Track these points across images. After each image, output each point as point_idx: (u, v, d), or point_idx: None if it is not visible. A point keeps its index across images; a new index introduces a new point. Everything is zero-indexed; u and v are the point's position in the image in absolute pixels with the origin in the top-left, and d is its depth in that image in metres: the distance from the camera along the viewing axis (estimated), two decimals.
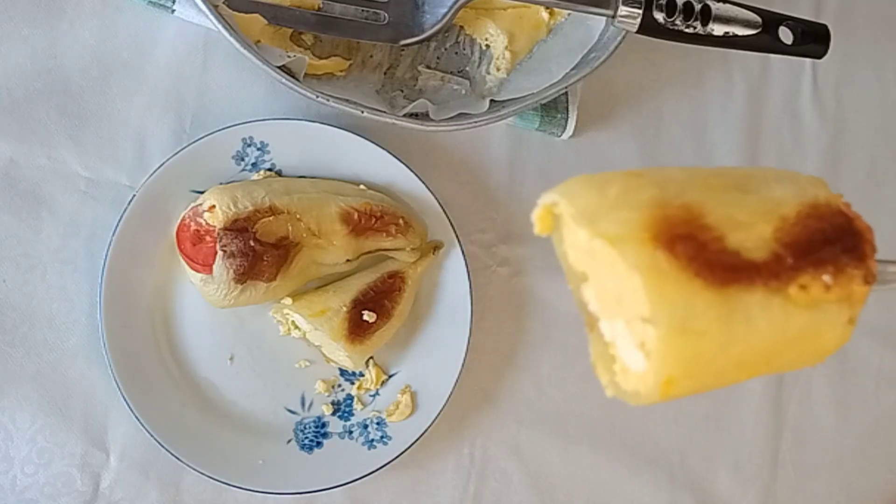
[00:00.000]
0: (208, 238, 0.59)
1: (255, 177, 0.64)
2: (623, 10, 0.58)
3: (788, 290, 0.27)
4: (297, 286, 0.63)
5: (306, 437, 0.64)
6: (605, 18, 0.62)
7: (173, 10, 0.64)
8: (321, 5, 0.64)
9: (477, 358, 0.66)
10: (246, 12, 0.61)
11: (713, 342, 0.26)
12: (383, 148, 0.64)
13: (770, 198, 0.28)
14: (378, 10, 0.64)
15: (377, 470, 0.63)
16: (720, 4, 0.58)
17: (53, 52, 0.64)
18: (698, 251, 0.26)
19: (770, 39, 0.59)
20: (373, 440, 0.64)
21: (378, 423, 0.65)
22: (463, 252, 0.65)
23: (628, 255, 0.26)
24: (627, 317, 0.27)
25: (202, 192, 0.61)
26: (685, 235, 0.26)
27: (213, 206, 0.59)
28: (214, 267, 0.59)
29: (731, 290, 0.26)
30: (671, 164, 0.73)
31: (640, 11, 0.57)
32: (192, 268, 0.61)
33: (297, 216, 0.61)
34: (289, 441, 0.64)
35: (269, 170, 0.64)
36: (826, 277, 0.27)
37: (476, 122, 0.62)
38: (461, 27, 0.68)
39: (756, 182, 0.29)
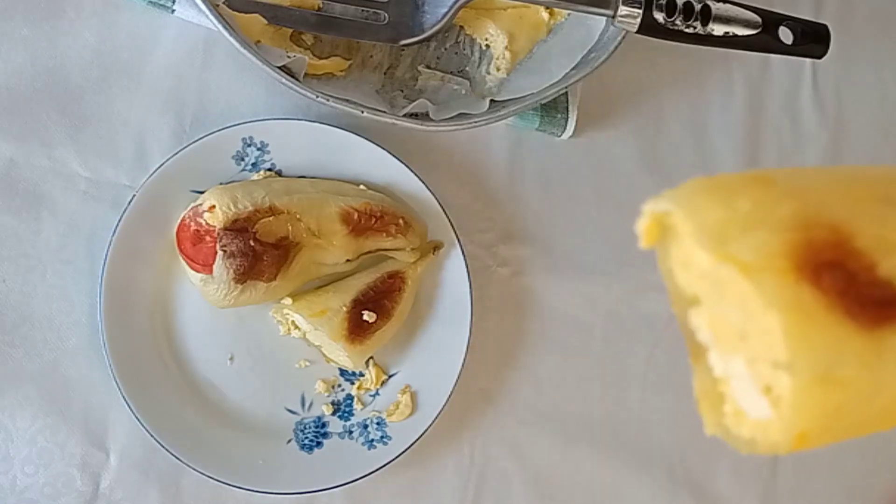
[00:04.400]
0: (208, 238, 0.59)
1: (255, 177, 0.64)
2: (623, 10, 0.58)
3: None
4: (297, 286, 0.63)
5: (306, 437, 0.64)
6: (605, 18, 0.62)
7: (173, 10, 0.64)
8: (321, 5, 0.64)
9: (477, 358, 0.66)
10: (246, 12, 0.61)
11: (859, 393, 0.23)
12: (383, 148, 0.64)
13: None
14: (378, 10, 0.64)
15: (377, 470, 0.63)
16: (720, 4, 0.58)
17: (53, 52, 0.64)
18: (848, 284, 0.22)
19: (770, 39, 0.59)
20: (373, 440, 0.64)
21: (378, 423, 0.65)
22: (463, 252, 0.65)
23: (766, 289, 0.22)
24: (752, 356, 0.23)
25: (202, 192, 0.61)
26: (833, 264, 0.22)
27: (213, 206, 0.59)
28: (214, 267, 0.59)
29: (884, 332, 0.22)
30: (671, 164, 0.73)
31: (640, 11, 0.57)
32: (192, 268, 0.61)
33: (297, 216, 0.61)
34: (289, 441, 0.64)
35: (269, 170, 0.64)
36: None
37: (476, 122, 0.62)
38: (461, 27, 0.68)
39: None
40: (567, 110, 0.68)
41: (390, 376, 0.66)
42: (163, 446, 0.60)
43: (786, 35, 0.59)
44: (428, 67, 0.67)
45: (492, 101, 0.64)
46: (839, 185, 0.25)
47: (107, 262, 0.60)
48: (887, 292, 0.22)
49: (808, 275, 0.22)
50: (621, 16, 0.58)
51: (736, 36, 0.58)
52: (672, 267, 0.25)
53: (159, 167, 0.62)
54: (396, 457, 0.63)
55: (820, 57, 0.60)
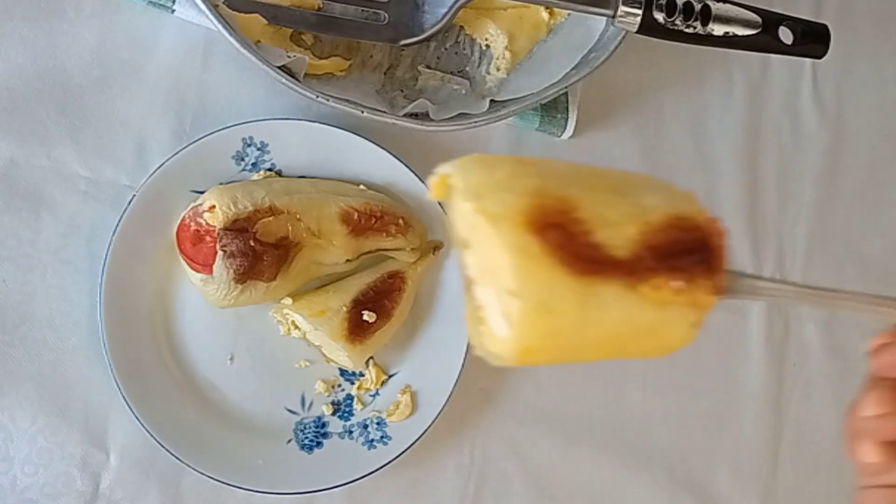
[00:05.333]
0: (208, 238, 0.59)
1: (255, 177, 0.64)
2: (623, 10, 0.58)
3: (643, 287, 0.30)
4: (297, 286, 0.63)
5: (306, 437, 0.64)
6: (605, 18, 0.61)
7: (173, 10, 0.64)
8: (321, 5, 0.64)
9: (477, 358, 0.66)
10: (246, 12, 0.61)
11: (568, 323, 0.29)
12: (383, 148, 0.64)
13: (642, 204, 0.31)
14: (378, 10, 0.64)
15: (377, 470, 0.63)
16: (720, 4, 0.58)
17: (53, 52, 0.64)
18: (566, 241, 0.29)
19: (770, 39, 0.59)
20: (373, 440, 0.64)
21: (378, 423, 0.65)
22: None
23: (503, 234, 0.29)
24: (497, 287, 0.29)
25: (202, 192, 0.61)
26: (556, 225, 0.29)
27: (213, 206, 0.59)
28: (214, 267, 0.59)
29: (591, 280, 0.29)
30: (671, 164, 0.73)
31: (640, 11, 0.57)
32: (192, 268, 0.61)
33: (297, 216, 0.61)
34: (289, 441, 0.64)
35: (269, 170, 0.64)
36: (676, 283, 0.30)
37: (476, 122, 0.62)
38: (461, 27, 0.68)
39: (632, 187, 0.32)
40: (567, 110, 0.68)
41: (390, 376, 0.66)
42: (163, 446, 0.60)
43: (786, 35, 0.59)
44: (428, 67, 0.67)
45: (492, 101, 0.64)
46: (580, 175, 0.32)
47: (107, 262, 0.60)
48: (597, 253, 0.29)
49: (536, 229, 0.29)
50: (621, 16, 0.58)
51: (736, 36, 0.58)
52: (453, 217, 0.31)
53: (159, 167, 0.62)
54: (396, 457, 0.63)
55: (820, 57, 0.60)
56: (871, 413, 0.34)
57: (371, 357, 0.65)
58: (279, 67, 0.58)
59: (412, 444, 0.63)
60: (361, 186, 0.65)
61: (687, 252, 0.30)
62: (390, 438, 0.64)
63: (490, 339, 0.31)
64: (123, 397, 0.60)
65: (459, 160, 0.32)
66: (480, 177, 0.31)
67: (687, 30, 0.58)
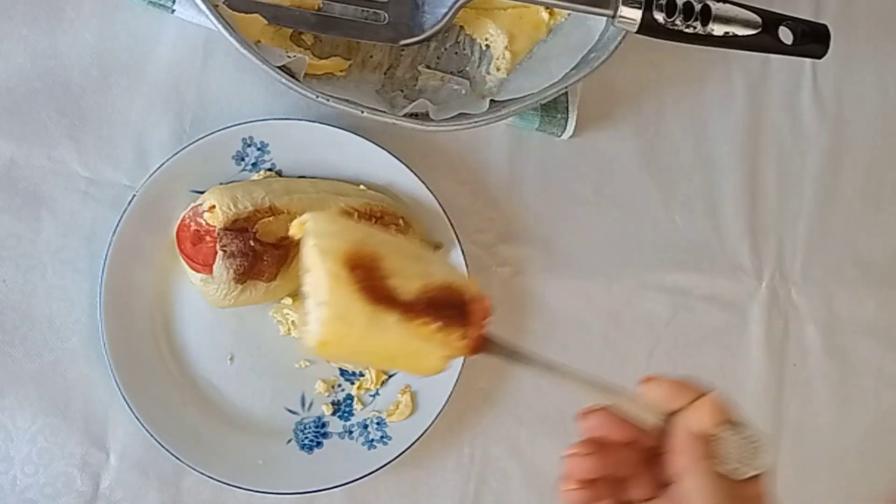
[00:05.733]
0: (208, 238, 0.59)
1: (255, 177, 0.64)
2: (623, 10, 0.58)
3: (413, 323, 0.42)
4: (297, 286, 0.63)
5: (306, 437, 0.64)
6: (605, 18, 0.61)
7: (173, 10, 0.64)
8: (321, 5, 0.64)
9: (477, 358, 0.66)
10: (246, 12, 0.61)
11: (357, 333, 0.42)
12: (383, 148, 0.64)
13: (429, 270, 0.44)
14: (378, 10, 0.64)
15: (377, 470, 0.63)
16: (720, 4, 0.58)
17: (53, 52, 0.64)
18: (368, 278, 0.42)
19: (770, 39, 0.59)
20: (373, 440, 0.64)
21: (378, 423, 0.65)
22: (463, 252, 0.65)
23: (326, 265, 0.42)
24: (316, 299, 0.42)
25: (202, 192, 0.61)
26: (364, 267, 0.42)
27: (213, 206, 0.59)
28: (214, 267, 0.59)
29: (379, 308, 0.42)
30: (671, 164, 0.73)
31: (640, 11, 0.57)
32: (192, 268, 0.61)
33: (297, 216, 0.61)
34: (289, 441, 0.64)
35: (269, 170, 0.64)
36: (435, 325, 0.43)
37: (476, 122, 0.62)
38: (461, 27, 0.68)
39: (428, 259, 0.47)
40: (567, 110, 0.68)
41: (390, 376, 0.66)
42: (163, 446, 0.60)
43: (786, 35, 0.59)
44: (428, 67, 0.67)
45: (492, 101, 0.64)
46: (395, 243, 0.47)
47: (107, 262, 0.61)
48: (388, 293, 0.42)
49: (349, 266, 0.42)
50: (621, 16, 0.58)
51: (736, 36, 0.58)
52: (304, 249, 0.43)
53: (159, 167, 0.62)
54: (396, 457, 0.63)
55: (820, 57, 0.60)
56: (572, 454, 0.48)
57: None
58: (279, 67, 0.58)
59: (412, 444, 0.63)
60: (361, 186, 0.65)
61: (449, 308, 0.44)
62: (390, 438, 0.64)
63: (306, 334, 0.42)
64: (123, 397, 0.60)
65: (318, 213, 0.45)
66: (324, 225, 0.43)
67: (687, 30, 0.58)
